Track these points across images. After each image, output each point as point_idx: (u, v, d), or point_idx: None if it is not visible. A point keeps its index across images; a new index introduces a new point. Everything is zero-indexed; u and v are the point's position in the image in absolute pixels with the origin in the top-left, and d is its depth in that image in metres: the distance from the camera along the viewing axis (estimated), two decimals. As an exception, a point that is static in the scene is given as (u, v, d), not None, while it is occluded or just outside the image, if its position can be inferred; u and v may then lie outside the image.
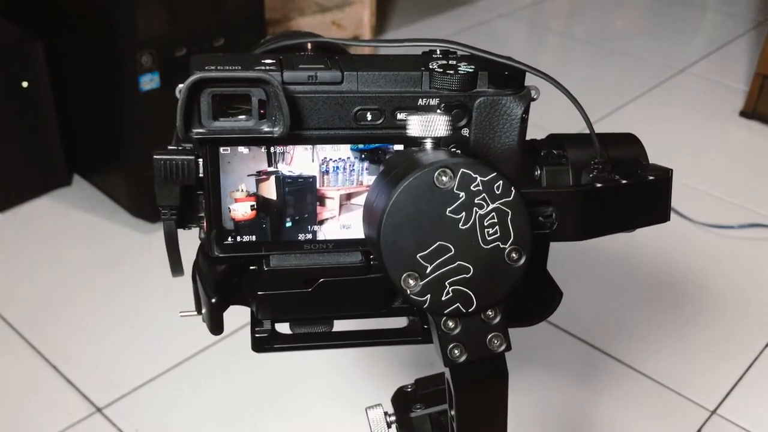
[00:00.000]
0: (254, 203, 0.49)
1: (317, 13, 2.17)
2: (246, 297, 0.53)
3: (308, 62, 0.47)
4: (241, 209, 0.49)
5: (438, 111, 0.48)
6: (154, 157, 0.47)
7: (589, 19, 2.89)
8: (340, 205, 0.50)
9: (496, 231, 0.43)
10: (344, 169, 0.49)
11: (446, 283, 0.43)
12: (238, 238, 0.49)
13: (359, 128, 0.48)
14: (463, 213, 0.42)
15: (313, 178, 0.49)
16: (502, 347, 0.46)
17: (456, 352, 0.46)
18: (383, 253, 0.42)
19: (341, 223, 0.50)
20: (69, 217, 1.63)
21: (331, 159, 0.49)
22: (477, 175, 0.42)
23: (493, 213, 0.42)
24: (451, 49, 0.50)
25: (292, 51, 0.53)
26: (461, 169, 0.41)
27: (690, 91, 2.37)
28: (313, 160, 0.48)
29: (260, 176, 0.48)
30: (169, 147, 0.48)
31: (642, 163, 0.54)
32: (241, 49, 0.57)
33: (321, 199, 0.49)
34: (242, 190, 0.48)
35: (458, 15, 2.75)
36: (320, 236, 0.50)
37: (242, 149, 0.47)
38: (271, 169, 0.48)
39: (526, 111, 0.50)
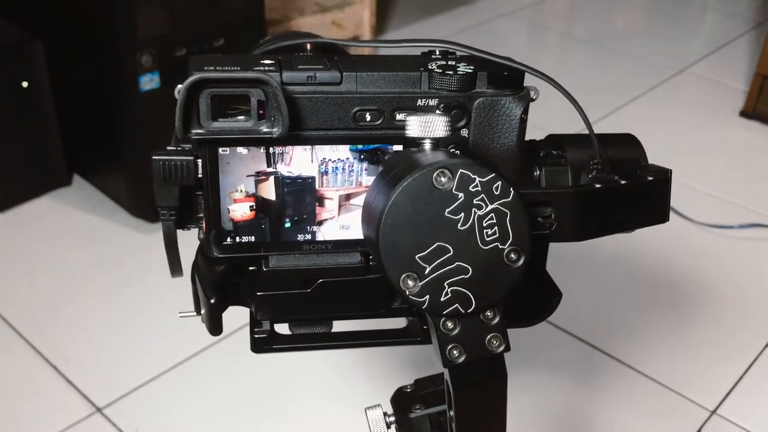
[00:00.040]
0: (253, 204, 0.49)
1: (317, 13, 2.17)
2: (245, 297, 0.53)
3: (307, 63, 0.47)
4: (240, 210, 0.49)
5: (437, 111, 0.48)
6: (153, 157, 0.47)
7: (589, 19, 2.89)
8: (339, 206, 0.50)
9: (495, 232, 0.43)
10: (343, 169, 0.49)
11: (445, 284, 0.43)
12: (237, 239, 0.49)
13: (358, 129, 0.48)
14: (462, 214, 0.42)
15: (312, 178, 0.49)
16: (501, 348, 0.46)
17: (455, 352, 0.46)
18: (382, 253, 0.42)
19: (340, 223, 0.50)
20: (69, 217, 1.63)
21: (330, 159, 0.49)
22: (476, 176, 0.42)
23: (492, 214, 0.42)
24: (451, 50, 0.50)
25: (291, 51, 0.53)
26: (460, 170, 0.41)
27: (690, 91, 2.37)
28: (312, 161, 0.48)
29: (259, 177, 0.48)
30: (168, 147, 0.48)
31: (641, 164, 0.54)
32: (241, 49, 0.57)
33: (320, 200, 0.49)
34: (241, 191, 0.48)
35: (458, 15, 2.75)
36: (319, 237, 0.50)
37: (241, 150, 0.47)
38: (270, 169, 0.48)
39: (525, 111, 0.50)
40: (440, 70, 0.48)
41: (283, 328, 0.55)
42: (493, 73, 0.49)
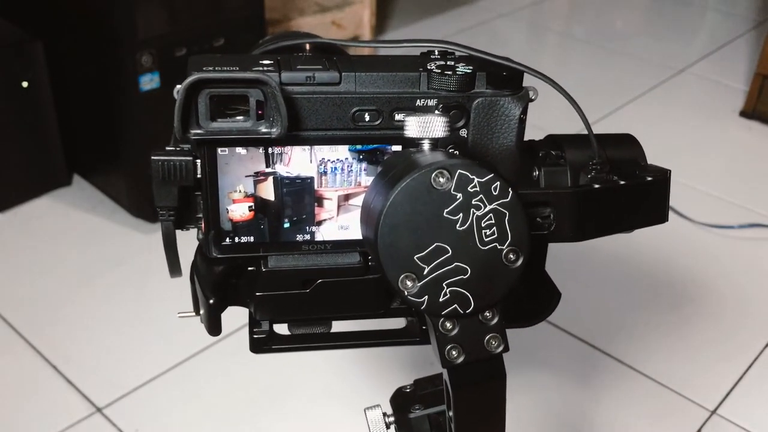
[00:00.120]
0: (252, 204, 0.49)
1: (317, 13, 2.17)
2: (244, 298, 0.53)
3: (306, 63, 0.47)
4: (238, 210, 0.49)
5: (436, 112, 0.48)
6: (152, 158, 0.47)
7: (589, 19, 2.89)
8: (338, 206, 0.50)
9: (494, 232, 0.43)
10: (342, 169, 0.49)
11: (444, 285, 0.43)
12: (236, 239, 0.49)
13: (357, 129, 0.48)
14: (461, 214, 0.42)
15: (311, 178, 0.49)
16: (500, 348, 0.46)
17: (454, 353, 0.46)
18: (381, 254, 0.42)
19: (339, 223, 0.50)
20: (69, 217, 1.63)
21: (329, 160, 0.49)
22: (474, 177, 0.42)
23: (491, 214, 0.42)
24: (450, 50, 0.50)
25: (290, 52, 0.53)
26: (458, 171, 0.41)
27: (690, 91, 2.37)
28: (311, 161, 0.48)
29: (258, 177, 0.48)
30: (167, 148, 0.48)
31: (640, 164, 0.54)
32: (241, 49, 0.57)
33: (319, 200, 0.49)
34: (240, 191, 0.48)
35: (458, 15, 2.75)
36: (318, 237, 0.50)
37: (240, 150, 0.47)
38: (269, 170, 0.48)
39: (525, 112, 0.50)
40: (439, 71, 0.48)
41: (282, 329, 0.55)
42: (492, 74, 0.49)
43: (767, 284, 1.56)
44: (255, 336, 0.55)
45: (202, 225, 0.50)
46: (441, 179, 0.41)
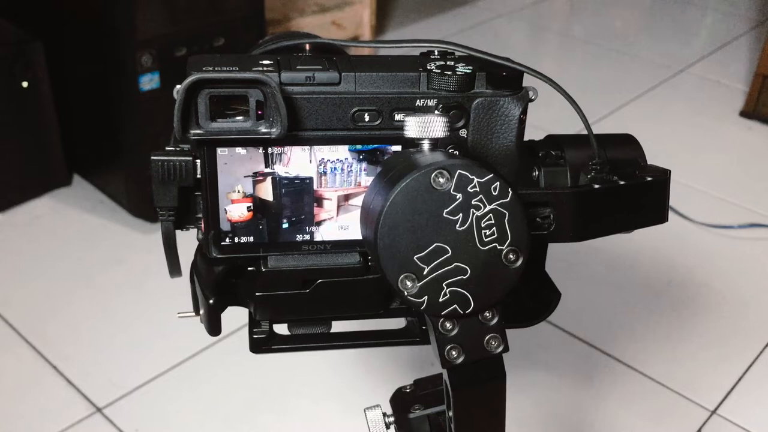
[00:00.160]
0: (251, 204, 0.49)
1: (317, 13, 2.17)
2: (244, 298, 0.53)
3: (306, 63, 0.47)
4: (237, 210, 0.49)
5: (435, 112, 0.48)
6: (152, 158, 0.47)
7: (588, 19, 2.89)
8: (338, 206, 0.50)
9: (494, 232, 0.43)
10: (342, 170, 0.49)
11: (443, 285, 0.43)
12: (236, 240, 0.49)
13: (357, 129, 0.48)
14: (460, 214, 0.42)
15: (310, 179, 0.49)
16: (500, 348, 0.46)
17: (453, 353, 0.46)
18: (380, 254, 0.42)
19: (339, 224, 0.50)
20: (69, 217, 1.63)
21: (328, 160, 0.49)
22: (474, 177, 0.42)
23: (491, 214, 0.42)
24: (449, 50, 0.50)
25: (290, 52, 0.53)
26: (458, 171, 0.41)
27: (690, 91, 2.37)
28: (310, 161, 0.48)
29: (257, 177, 0.48)
30: (167, 148, 0.48)
31: (640, 164, 0.54)
32: (241, 49, 0.57)
33: (318, 200, 0.49)
34: (239, 192, 0.48)
35: (458, 15, 2.75)
36: (318, 237, 0.50)
37: (239, 150, 0.47)
38: (268, 170, 0.48)
39: (524, 112, 0.50)
40: (439, 71, 0.48)
41: (282, 329, 0.55)
42: (491, 74, 0.49)
43: (767, 284, 1.56)
44: (255, 336, 0.55)
45: (202, 225, 0.50)
46: (441, 179, 0.41)
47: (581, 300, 1.49)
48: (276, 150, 0.48)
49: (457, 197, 0.42)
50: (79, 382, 1.26)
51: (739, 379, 1.34)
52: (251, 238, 0.49)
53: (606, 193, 0.51)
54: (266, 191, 0.48)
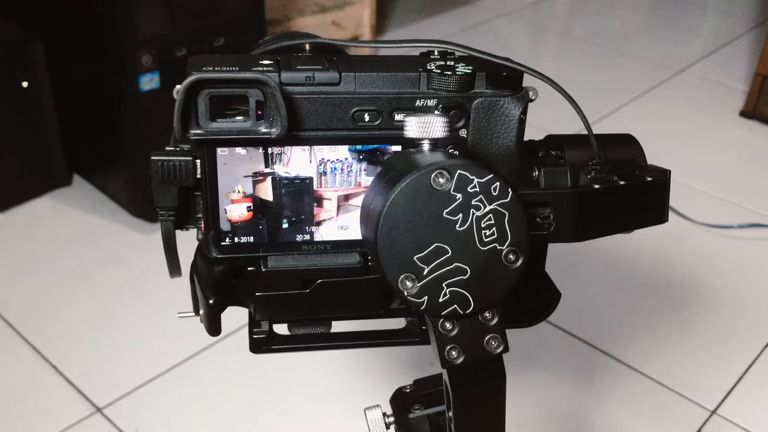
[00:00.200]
0: (251, 204, 0.49)
1: (317, 13, 2.17)
2: (244, 298, 0.53)
3: (306, 63, 0.47)
4: (237, 210, 0.49)
5: (435, 112, 0.48)
6: (152, 158, 0.47)
7: (589, 19, 2.89)
8: (338, 206, 0.50)
9: (494, 232, 0.43)
10: (342, 170, 0.49)
11: (443, 285, 0.43)
12: (236, 240, 0.49)
13: (357, 129, 0.48)
14: (460, 215, 0.42)
15: (310, 179, 0.49)
16: (500, 349, 0.46)
17: (453, 353, 0.46)
18: (380, 254, 0.42)
19: (339, 224, 0.50)
20: (69, 217, 1.63)
21: (328, 160, 0.48)
22: (474, 177, 0.42)
23: (491, 214, 0.42)
24: (449, 50, 0.50)
25: (290, 52, 0.53)
26: (458, 171, 0.41)
27: (690, 91, 2.37)
28: (310, 161, 0.48)
29: (257, 177, 0.48)
30: (167, 148, 0.48)
31: (640, 164, 0.54)
32: (241, 49, 0.57)
33: (318, 200, 0.49)
34: (238, 192, 0.48)
35: (458, 15, 2.75)
36: (318, 237, 0.50)
37: (239, 150, 0.47)
38: (268, 170, 0.48)
39: (524, 112, 0.50)
40: (439, 71, 0.48)
41: (282, 329, 0.55)
42: (491, 74, 0.49)
43: (767, 284, 1.56)
44: (255, 336, 0.55)
45: (202, 225, 0.50)
46: (441, 179, 0.41)
47: (581, 300, 1.49)
48: (276, 150, 0.48)
49: (457, 197, 0.42)
50: (79, 382, 1.26)
51: (739, 379, 1.34)
52: (251, 238, 0.49)
53: (606, 193, 0.51)
54: (266, 191, 0.48)
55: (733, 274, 1.58)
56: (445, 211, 0.42)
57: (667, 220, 0.54)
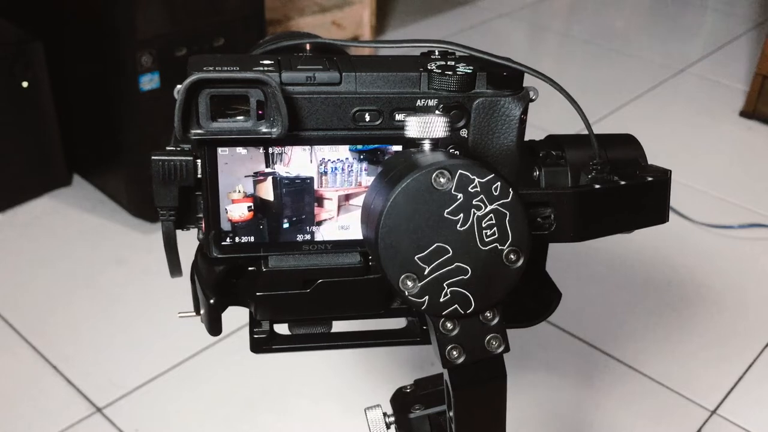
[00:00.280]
0: (251, 204, 0.49)
1: (317, 13, 2.17)
2: (244, 298, 0.53)
3: (306, 63, 0.47)
4: (237, 210, 0.49)
5: (436, 112, 0.48)
6: (152, 158, 0.47)
7: (589, 19, 2.89)
8: (339, 206, 0.50)
9: (495, 232, 0.43)
10: (342, 169, 0.49)
11: (444, 285, 0.43)
12: (237, 239, 0.49)
13: (357, 129, 0.48)
14: (461, 214, 0.42)
15: (311, 179, 0.49)
16: (501, 348, 0.46)
17: (454, 353, 0.46)
18: (381, 254, 0.42)
19: (340, 223, 0.50)
20: (69, 217, 1.63)
21: (329, 160, 0.48)
22: (475, 177, 0.42)
23: (491, 214, 0.42)
24: (450, 50, 0.50)
25: (290, 52, 0.53)
26: (459, 171, 0.41)
27: (690, 91, 2.37)
28: (311, 161, 0.48)
29: (257, 177, 0.48)
30: (168, 148, 0.48)
31: (641, 164, 0.54)
32: (241, 49, 0.57)
33: (319, 200, 0.49)
34: (239, 191, 0.48)
35: (458, 15, 2.75)
36: (318, 237, 0.50)
37: (240, 150, 0.47)
38: (268, 170, 0.48)
39: (525, 112, 0.50)
40: (439, 71, 0.48)
41: (282, 329, 0.55)
42: (492, 74, 0.49)
43: (767, 284, 1.56)
44: (255, 336, 0.55)
45: (203, 225, 0.50)
46: (442, 179, 0.41)
47: (581, 300, 1.49)
48: (277, 150, 0.48)
49: (458, 197, 0.42)
50: (79, 382, 1.26)
51: (739, 379, 1.34)
52: (252, 238, 0.49)
53: (606, 193, 0.51)
54: (267, 191, 0.48)
55: (733, 274, 1.58)
56: (446, 210, 0.42)
57: (668, 220, 0.54)
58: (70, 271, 1.49)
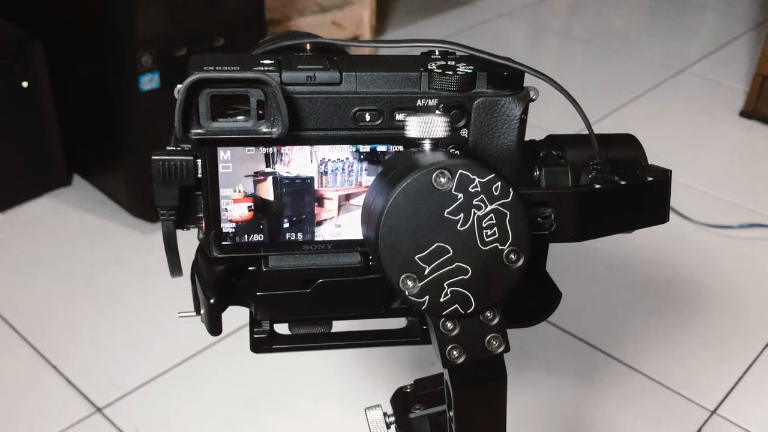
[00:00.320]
0: (251, 204, 0.49)
1: (317, 13, 2.17)
2: (245, 297, 0.53)
3: (307, 63, 0.47)
4: (238, 210, 0.49)
5: (436, 112, 0.48)
6: (153, 157, 0.47)
7: (589, 19, 2.89)
8: (339, 206, 0.50)
9: (495, 232, 0.43)
10: (343, 169, 0.49)
11: (445, 285, 0.43)
12: (237, 239, 0.49)
13: (358, 129, 0.48)
14: (462, 214, 0.42)
15: (311, 178, 0.49)
16: (501, 348, 0.46)
17: (455, 353, 0.46)
18: (381, 254, 0.42)
19: (340, 223, 0.50)
20: (69, 217, 1.63)
21: (329, 160, 0.48)
22: (475, 177, 0.42)
23: (492, 214, 0.42)
24: (450, 50, 0.50)
25: (291, 52, 0.53)
26: (459, 171, 0.41)
27: (690, 91, 2.37)
28: (311, 161, 0.48)
29: (257, 177, 0.48)
30: (168, 148, 0.48)
31: (641, 164, 0.54)
32: (241, 49, 0.57)
33: (319, 200, 0.49)
34: (239, 191, 0.48)
35: (458, 15, 2.75)
36: (318, 237, 0.50)
37: (240, 150, 0.47)
38: (269, 169, 0.48)
39: (525, 112, 0.50)
40: (440, 71, 0.48)
41: (282, 328, 0.55)
42: (492, 74, 0.49)
43: (767, 284, 1.56)
44: (255, 336, 0.55)
45: (203, 225, 0.50)
46: (442, 179, 0.41)
47: (581, 300, 1.49)
48: (277, 150, 0.48)
49: (459, 197, 0.42)
50: (79, 382, 1.26)
51: (739, 379, 1.34)
52: (252, 238, 0.49)
53: (607, 193, 0.51)
54: (267, 191, 0.48)
55: (733, 274, 1.58)
56: (447, 210, 0.42)
57: (668, 220, 0.54)
58: (70, 271, 1.49)
